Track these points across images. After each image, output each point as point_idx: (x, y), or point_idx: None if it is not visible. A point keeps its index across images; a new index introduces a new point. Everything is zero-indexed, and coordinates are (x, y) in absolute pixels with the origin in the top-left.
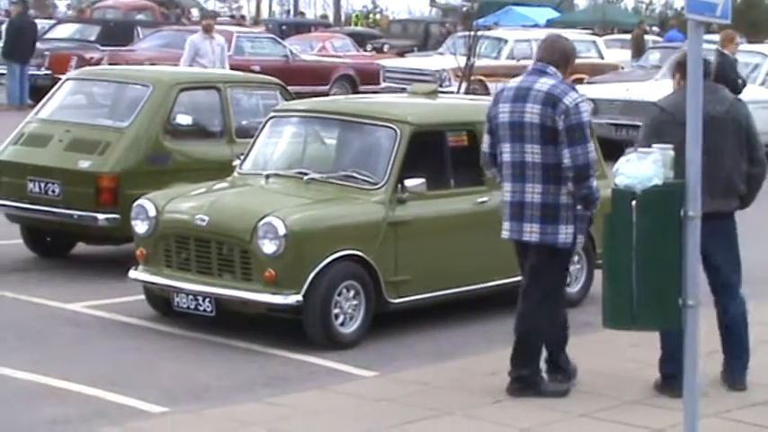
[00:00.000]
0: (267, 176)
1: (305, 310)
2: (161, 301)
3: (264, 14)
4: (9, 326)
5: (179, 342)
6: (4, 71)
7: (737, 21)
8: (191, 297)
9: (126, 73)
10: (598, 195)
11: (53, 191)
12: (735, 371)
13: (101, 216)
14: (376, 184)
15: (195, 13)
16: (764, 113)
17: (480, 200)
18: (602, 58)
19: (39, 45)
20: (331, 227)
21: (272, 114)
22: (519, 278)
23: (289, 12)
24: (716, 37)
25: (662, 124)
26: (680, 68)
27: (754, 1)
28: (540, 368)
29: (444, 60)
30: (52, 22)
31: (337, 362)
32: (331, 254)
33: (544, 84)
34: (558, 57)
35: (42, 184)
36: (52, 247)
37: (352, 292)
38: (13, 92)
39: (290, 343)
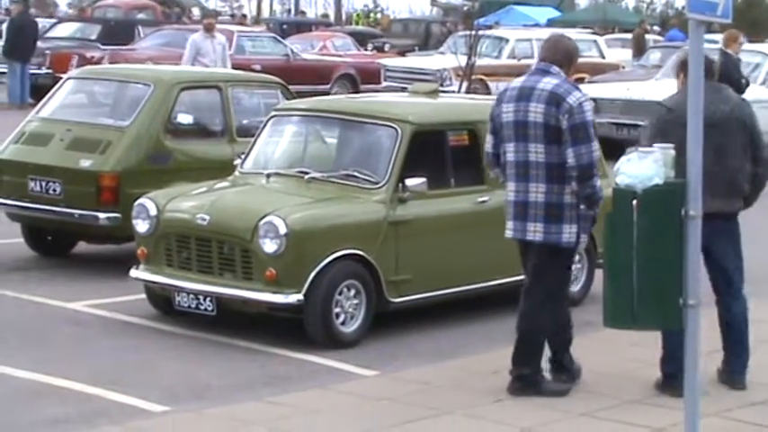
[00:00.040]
0: (268, 175)
1: (306, 309)
2: (162, 301)
3: (265, 13)
4: (10, 325)
5: (180, 341)
6: (5, 70)
7: (738, 20)
8: (192, 296)
9: (127, 72)
10: (601, 195)
11: (54, 190)
12: (735, 370)
13: (102, 215)
14: (377, 183)
15: (196, 12)
16: (765, 113)
17: (481, 199)
18: (603, 57)
19: (40, 44)
20: (332, 226)
21: (273, 113)
22: (520, 277)
23: (290, 11)
24: (717, 36)
25: (667, 124)
26: (684, 68)
27: (755, 0)
28: (540, 367)
29: (445, 60)
30: (53, 20)
31: (338, 361)
32: (332, 253)
33: (548, 83)
34: (561, 56)
35: (43, 183)
36: (53, 246)
37: (352, 292)
38: (14, 91)
39: (290, 342)
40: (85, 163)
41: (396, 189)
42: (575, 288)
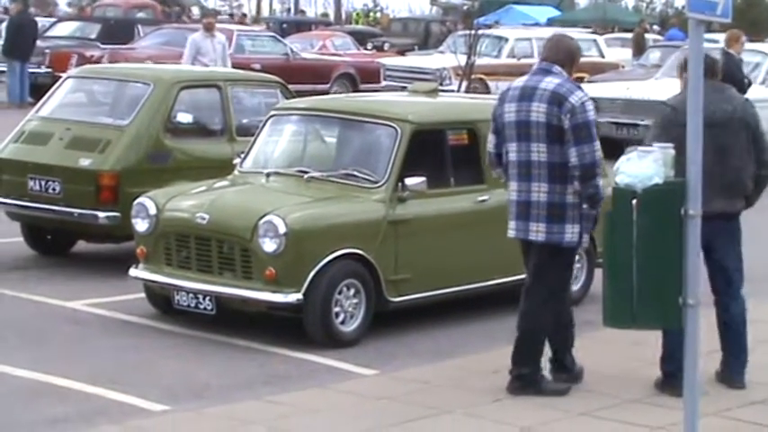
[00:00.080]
0: (268, 175)
1: (305, 308)
2: (161, 300)
3: (265, 12)
4: (9, 324)
5: (179, 340)
6: (5, 69)
7: (738, 19)
8: (191, 295)
9: (126, 71)
10: (604, 194)
11: (53, 189)
12: (734, 369)
13: (101, 214)
14: (376, 182)
15: (195, 11)
16: (766, 113)
17: (480, 198)
18: (603, 56)
19: (39, 43)
20: (331, 225)
21: (273, 113)
22: (519, 277)
23: (289, 10)
24: (717, 36)
25: (671, 123)
26: (687, 68)
27: (755, 0)
28: (540, 367)
29: (445, 59)
30: (53, 20)
31: (337, 360)
32: (331, 252)
33: (550, 83)
34: (563, 56)
35: (43, 182)
36: (52, 245)
37: (352, 291)
38: (14, 90)
39: (290, 341)
40: (85, 162)
41: (395, 188)
42: (574, 287)
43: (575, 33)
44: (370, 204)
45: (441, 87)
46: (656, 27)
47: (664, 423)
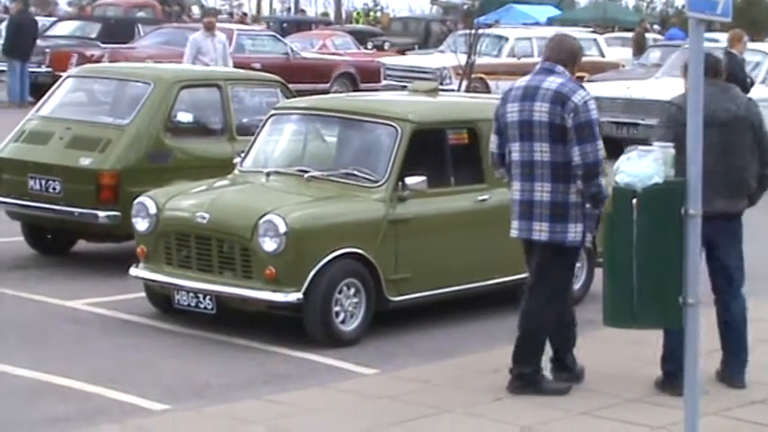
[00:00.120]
0: (268, 174)
1: (305, 307)
2: (161, 299)
3: (265, 12)
4: (9, 323)
5: (179, 340)
6: (5, 68)
7: (738, 19)
8: (191, 294)
9: (127, 70)
10: (607, 193)
11: (54, 188)
12: (734, 369)
13: (101, 213)
14: (377, 181)
15: (196, 10)
16: (766, 112)
17: (481, 198)
18: (603, 56)
19: (39, 42)
20: (331, 225)
21: (273, 112)
22: (519, 276)
23: (289, 9)
24: (717, 35)
25: (677, 122)
26: None
27: None
28: (541, 366)
29: (445, 58)
30: (53, 19)
31: (338, 359)
32: (331, 252)
33: (552, 82)
34: (565, 56)
35: (43, 182)
36: (53, 244)
37: (352, 290)
38: (14, 89)
39: (290, 340)
40: (85, 161)
41: (395, 188)
42: (575, 287)
43: (575, 33)
44: (371, 204)
45: (441, 87)
46: (656, 26)
47: (664, 422)
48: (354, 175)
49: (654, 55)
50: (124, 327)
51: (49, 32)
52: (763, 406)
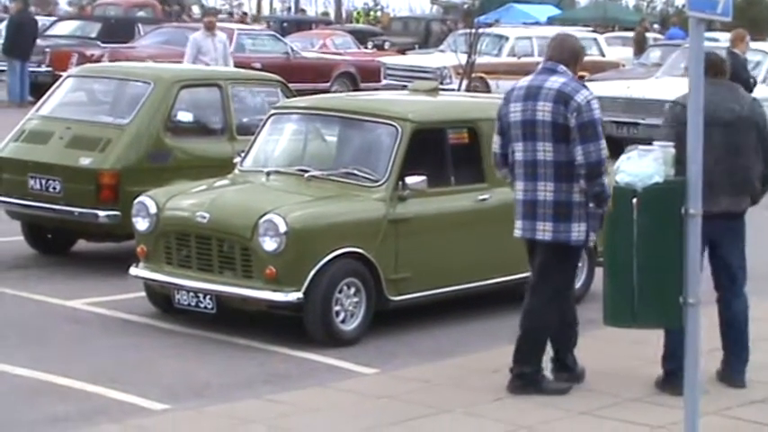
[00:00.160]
0: (268, 174)
1: (305, 307)
2: (162, 299)
3: (266, 11)
4: (9, 323)
5: (179, 339)
6: (5, 68)
7: (738, 18)
8: (191, 294)
9: (127, 70)
10: (610, 193)
11: (54, 188)
12: (734, 368)
13: (101, 213)
14: (377, 181)
15: (196, 10)
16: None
17: (481, 197)
18: (604, 55)
19: (39, 42)
20: (332, 224)
21: (273, 111)
22: (520, 275)
23: (290, 9)
24: (717, 34)
25: (682, 122)
26: None
27: None
28: (542, 366)
29: (445, 58)
30: (53, 18)
31: (338, 359)
32: (332, 251)
33: (555, 82)
34: (567, 55)
35: (43, 181)
36: (53, 244)
37: (352, 290)
38: (14, 89)
39: (290, 340)
40: (85, 161)
41: (396, 187)
42: (575, 286)
43: (575, 32)
44: (371, 203)
45: (441, 86)
46: (656, 26)
47: (664, 422)
48: (355, 174)
49: (654, 54)
50: (124, 326)
51: (49, 32)
52: (764, 405)
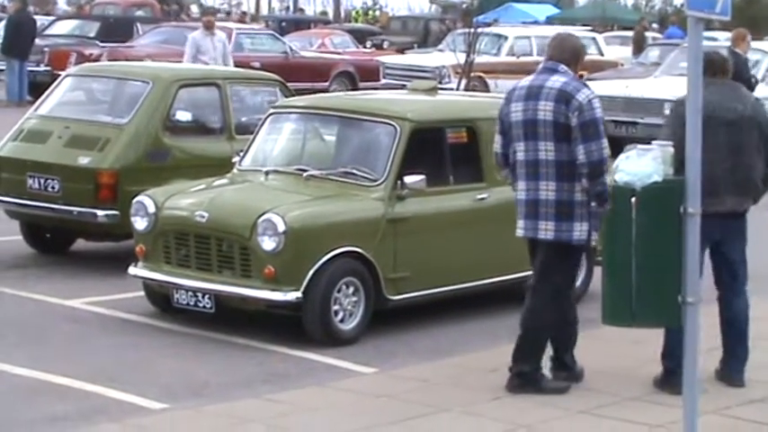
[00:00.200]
0: (267, 173)
1: (304, 306)
2: (160, 298)
3: (264, 11)
4: (8, 322)
5: (178, 339)
6: (4, 67)
7: (737, 17)
8: (190, 293)
9: (125, 69)
10: None
11: (53, 187)
12: (733, 367)
13: (100, 212)
14: (375, 180)
15: (194, 9)
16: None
17: (480, 196)
18: (602, 54)
19: (38, 41)
20: (330, 223)
21: (272, 111)
22: (518, 275)
23: (288, 8)
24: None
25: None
26: None
27: None
28: (541, 365)
29: (444, 57)
30: (51, 18)
31: (336, 358)
32: (330, 250)
33: (556, 81)
34: (568, 55)
35: (42, 181)
36: (51, 243)
37: (351, 289)
38: (12, 88)
39: (289, 339)
40: (84, 160)
41: (394, 186)
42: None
43: (574, 31)
44: (370, 202)
45: (440, 85)
46: (655, 25)
47: (663, 421)
48: (353, 173)
49: (653, 54)
50: (123, 326)
51: (48, 31)
52: (763, 405)
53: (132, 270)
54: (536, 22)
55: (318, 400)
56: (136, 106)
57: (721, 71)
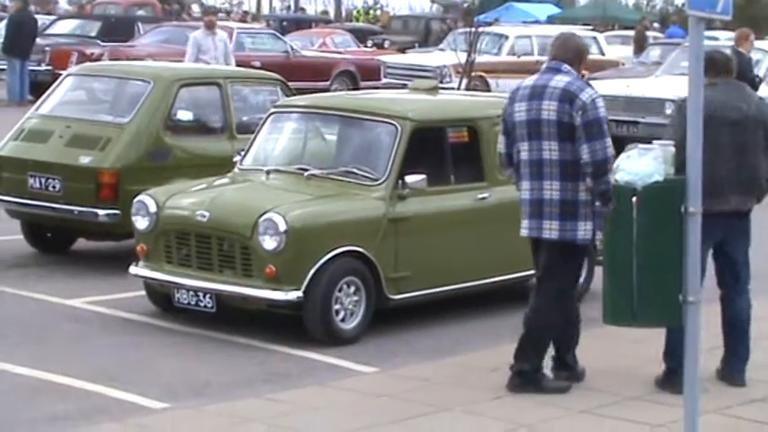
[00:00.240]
0: (268, 172)
1: (305, 306)
2: (161, 297)
3: (265, 10)
4: (9, 322)
5: (179, 338)
6: (5, 67)
7: (738, 17)
8: (191, 293)
9: (127, 69)
10: None
11: (54, 186)
12: (734, 367)
13: (101, 212)
14: (376, 180)
15: (195, 8)
16: None
17: (480, 196)
18: (603, 54)
19: (39, 41)
20: (331, 223)
21: (273, 110)
22: (520, 274)
23: (289, 8)
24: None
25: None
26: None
27: None
28: (542, 365)
29: (445, 56)
30: (53, 17)
31: (337, 358)
32: (331, 250)
33: (560, 81)
34: (571, 54)
35: (43, 180)
36: (52, 242)
37: (352, 288)
38: (14, 87)
39: (290, 339)
40: (85, 160)
41: (395, 186)
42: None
43: (575, 31)
44: (371, 202)
45: (441, 85)
46: (656, 24)
47: (664, 420)
48: (354, 173)
49: (654, 53)
50: (124, 325)
51: (49, 31)
52: (763, 404)
53: (133, 269)
54: (537, 22)
55: (319, 400)
56: (137, 106)
57: (725, 71)
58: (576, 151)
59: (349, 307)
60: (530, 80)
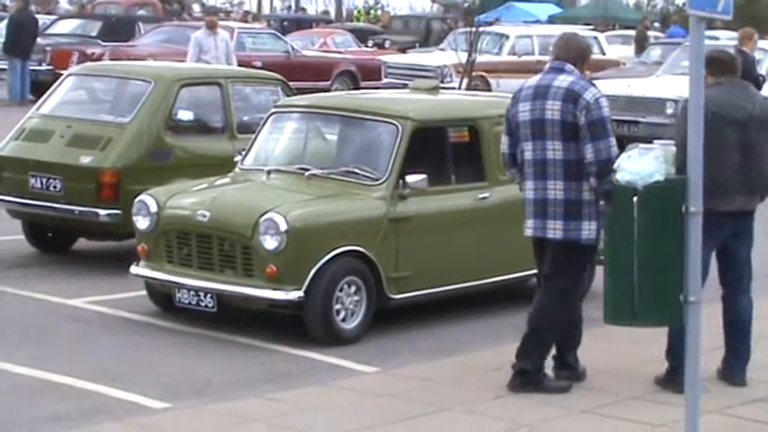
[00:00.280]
0: (268, 172)
1: (306, 305)
2: (162, 297)
3: (266, 10)
4: (10, 321)
5: (180, 338)
6: (6, 67)
7: (738, 16)
8: (192, 293)
9: (127, 68)
10: None
11: (54, 186)
12: (735, 367)
13: (102, 212)
14: (377, 179)
15: (196, 8)
16: None
17: (481, 196)
18: (604, 54)
19: (40, 40)
20: (332, 223)
21: (274, 110)
22: (521, 274)
23: (290, 8)
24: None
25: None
26: (708, 66)
27: None
28: (543, 365)
29: (446, 56)
30: (53, 17)
31: (338, 358)
32: (332, 250)
33: (563, 81)
34: (574, 54)
35: (44, 180)
36: (53, 242)
37: (353, 288)
38: (15, 87)
39: (291, 339)
40: (86, 159)
41: (396, 186)
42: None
43: (577, 31)
44: (371, 202)
45: (442, 85)
46: (657, 24)
47: (665, 420)
48: (355, 173)
49: (654, 53)
50: (125, 325)
51: (50, 30)
52: (764, 404)
53: (134, 269)
54: (538, 22)
55: (320, 400)
56: (138, 105)
57: (730, 70)
58: (580, 151)
59: (350, 307)
60: (533, 80)
